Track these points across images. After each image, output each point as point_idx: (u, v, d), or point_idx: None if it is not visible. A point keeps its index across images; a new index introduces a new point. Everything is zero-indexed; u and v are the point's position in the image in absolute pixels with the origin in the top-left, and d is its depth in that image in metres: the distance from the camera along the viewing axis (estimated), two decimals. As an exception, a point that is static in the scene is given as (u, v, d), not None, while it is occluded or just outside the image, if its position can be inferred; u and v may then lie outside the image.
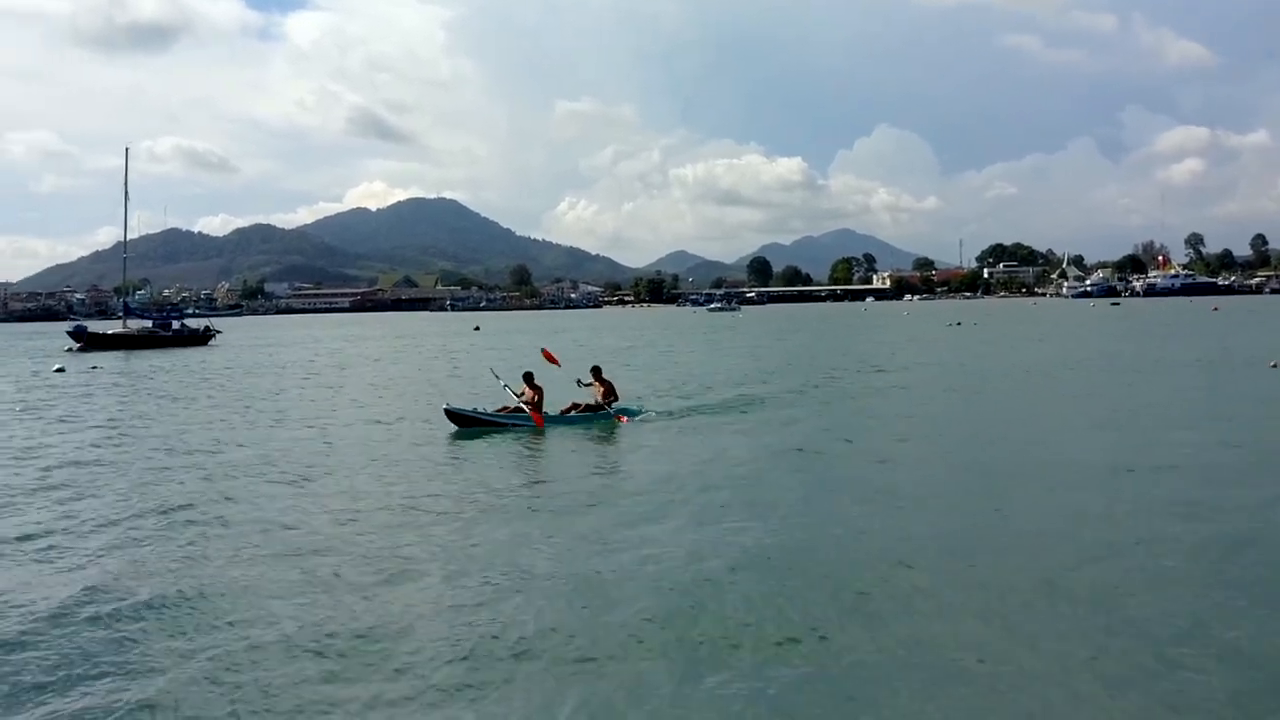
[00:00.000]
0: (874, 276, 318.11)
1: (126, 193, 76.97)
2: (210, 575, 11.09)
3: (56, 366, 51.97)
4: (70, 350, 68.11)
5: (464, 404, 23.54)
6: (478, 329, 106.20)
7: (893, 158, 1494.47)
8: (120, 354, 65.55)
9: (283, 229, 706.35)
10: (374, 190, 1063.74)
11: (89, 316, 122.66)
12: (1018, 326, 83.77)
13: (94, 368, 51.32)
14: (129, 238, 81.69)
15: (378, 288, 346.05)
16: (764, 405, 26.68)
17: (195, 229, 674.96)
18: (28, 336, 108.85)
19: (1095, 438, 20.31)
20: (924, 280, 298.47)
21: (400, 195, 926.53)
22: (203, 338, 77.93)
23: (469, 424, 22.35)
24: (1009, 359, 44.03)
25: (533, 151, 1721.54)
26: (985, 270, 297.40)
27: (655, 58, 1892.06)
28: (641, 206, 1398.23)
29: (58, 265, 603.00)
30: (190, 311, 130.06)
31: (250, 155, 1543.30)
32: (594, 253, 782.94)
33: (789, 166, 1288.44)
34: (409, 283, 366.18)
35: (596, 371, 24.09)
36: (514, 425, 22.14)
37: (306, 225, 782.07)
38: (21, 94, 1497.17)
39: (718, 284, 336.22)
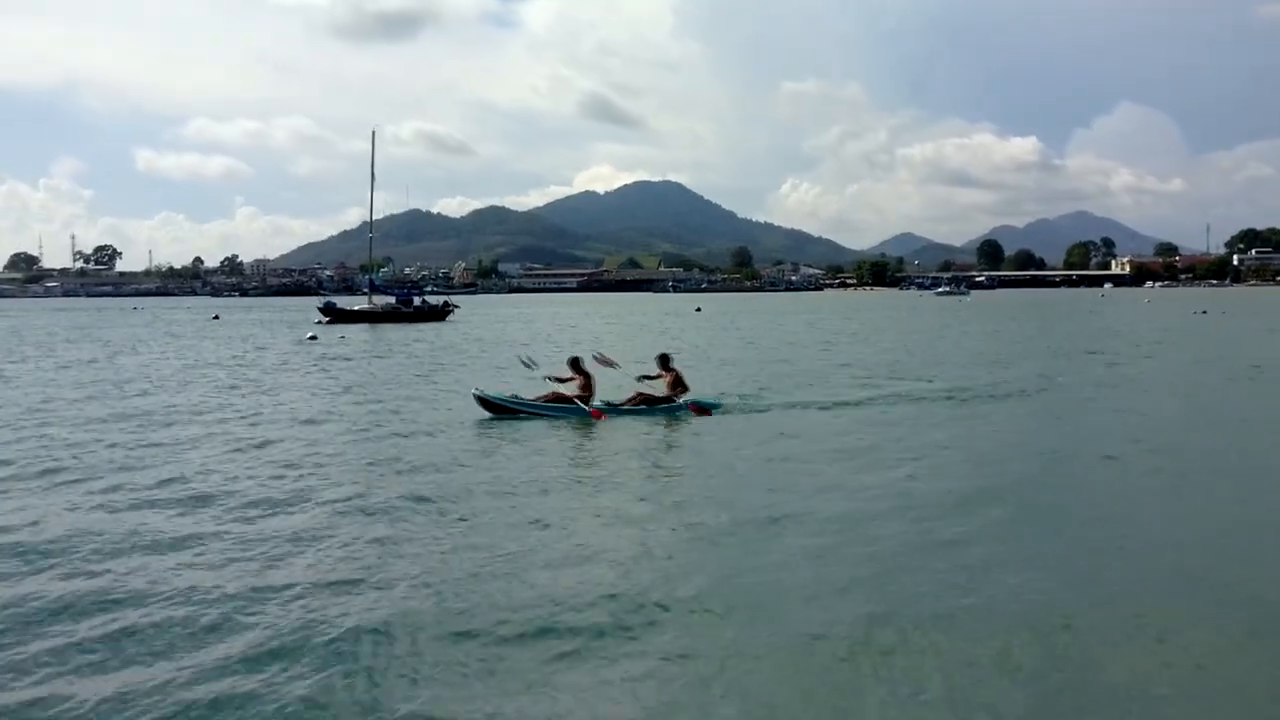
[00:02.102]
0: (1112, 261, 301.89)
1: (373, 174, 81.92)
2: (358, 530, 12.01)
3: (309, 335, 56.11)
4: (320, 323, 73.11)
5: (525, 388, 22.17)
6: (698, 310, 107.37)
7: (1135, 137, 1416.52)
8: (365, 327, 70.02)
9: (515, 211, 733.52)
10: (602, 173, 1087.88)
11: (336, 292, 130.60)
12: (1273, 316, 77.73)
13: (341, 338, 55.01)
14: (374, 218, 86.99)
15: (603, 269, 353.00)
16: (982, 395, 24.25)
17: (435, 210, 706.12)
18: (283, 310, 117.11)
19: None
20: (1166, 266, 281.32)
21: (627, 178, 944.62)
22: (441, 313, 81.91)
23: (502, 411, 20.55)
24: (1265, 351, 41.04)
25: (757, 133, 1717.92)
26: (1235, 256, 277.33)
27: (884, 35, 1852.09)
28: (866, 188, 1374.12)
29: (310, 243, 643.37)
30: (429, 289, 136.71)
31: (486, 139, 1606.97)
32: (816, 235, 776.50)
33: (1022, 146, 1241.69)
34: (633, 264, 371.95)
35: (664, 360, 21.76)
36: (554, 415, 20.21)
37: (538, 207, 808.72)
38: (283, 83, 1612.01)
39: (945, 267, 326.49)
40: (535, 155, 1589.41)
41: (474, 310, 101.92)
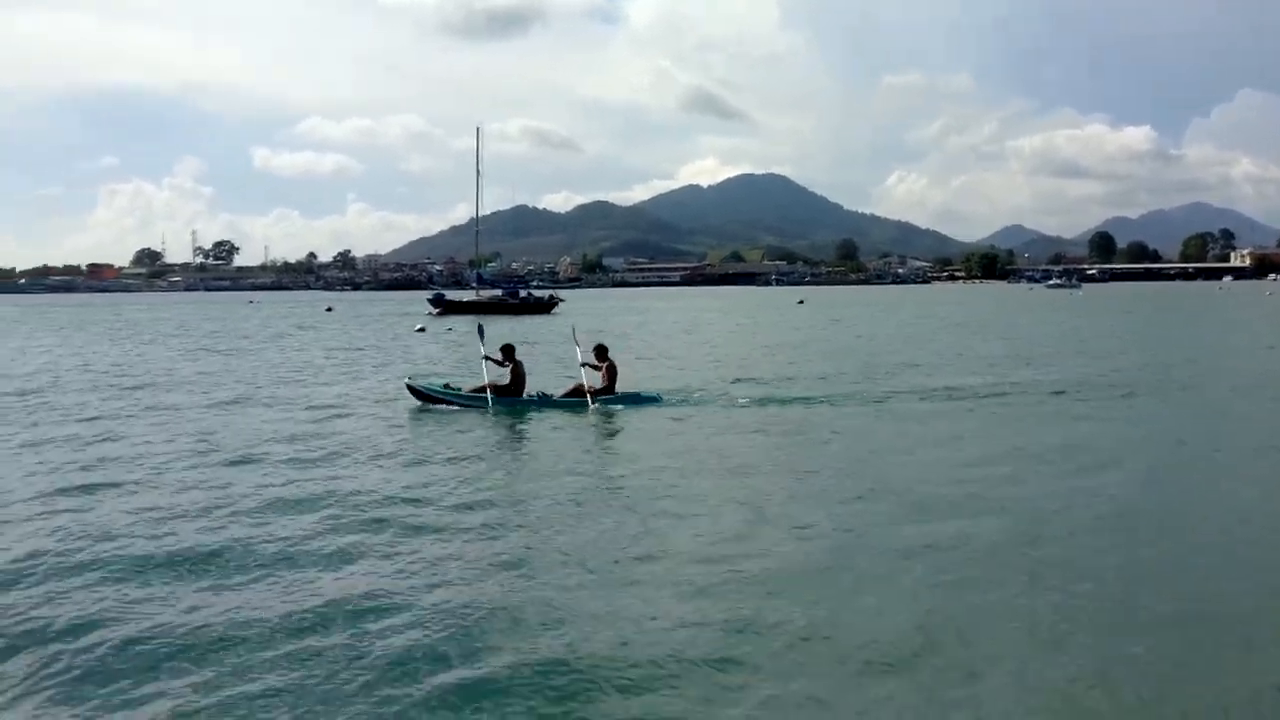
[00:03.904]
0: (1231, 253, 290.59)
1: (478, 170, 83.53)
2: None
3: (418, 327, 57.68)
4: (430, 314, 75.03)
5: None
6: (801, 303, 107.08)
7: (1257, 124, 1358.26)
8: (473, 318, 71.41)
9: (620, 206, 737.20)
10: (705, 167, 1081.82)
11: (445, 286, 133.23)
12: None
13: (449, 329, 56.35)
14: (481, 213, 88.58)
15: (706, 263, 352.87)
16: (1081, 392, 22.97)
17: (540, 205, 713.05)
18: (394, 303, 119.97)
19: None
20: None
21: (730, 172, 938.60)
22: (547, 306, 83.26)
23: (432, 401, 20.47)
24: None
25: (862, 125, 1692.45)
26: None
27: (991, 25, 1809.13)
28: (974, 179, 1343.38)
29: (420, 239, 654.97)
30: (534, 283, 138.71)
31: (591, 134, 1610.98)
32: (924, 227, 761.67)
33: (1136, 136, 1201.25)
34: (736, 258, 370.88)
35: (601, 351, 21.08)
36: (481, 405, 19.91)
37: (642, 202, 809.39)
38: (393, 82, 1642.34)
39: (1056, 260, 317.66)
40: (639, 150, 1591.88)
41: (578, 304, 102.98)
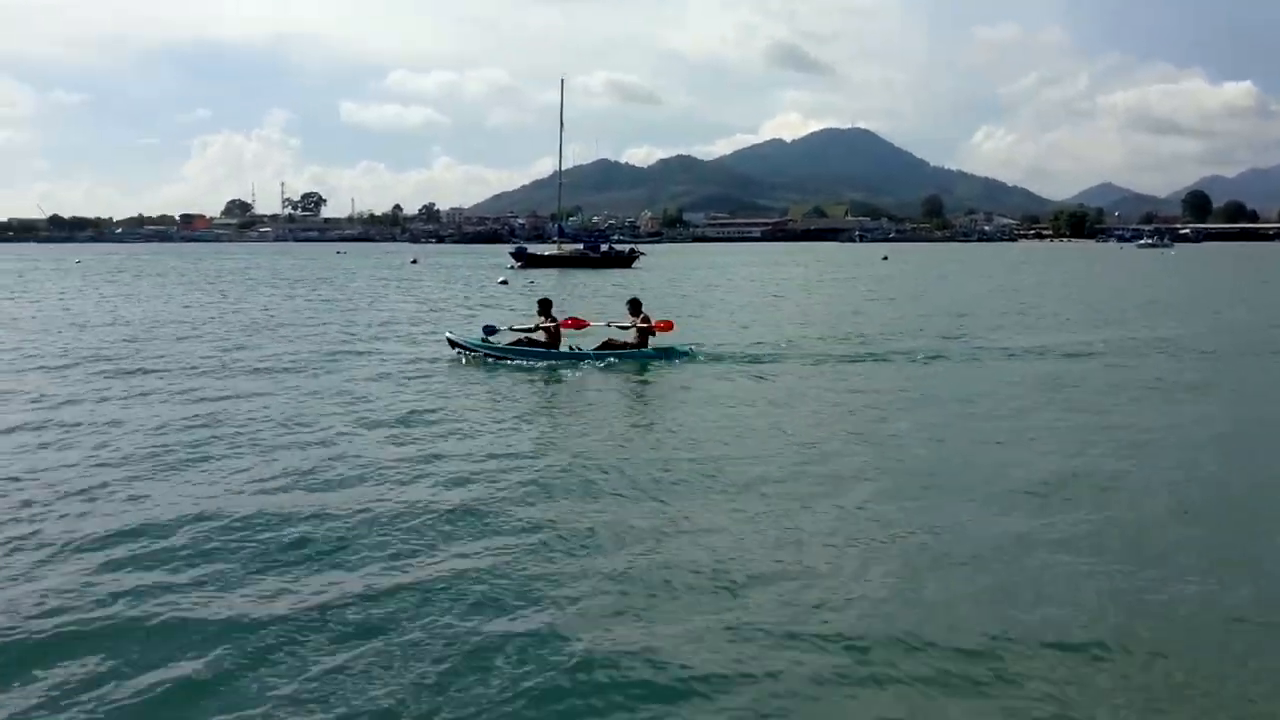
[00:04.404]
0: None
1: (561, 123, 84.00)
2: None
3: (501, 279, 58.73)
4: (512, 268, 76.11)
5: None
6: (885, 259, 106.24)
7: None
8: (554, 271, 72.40)
9: (702, 160, 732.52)
10: (789, 121, 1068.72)
11: (527, 239, 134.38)
12: None
13: (530, 282, 57.24)
14: (563, 168, 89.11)
15: (788, 218, 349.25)
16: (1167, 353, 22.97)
17: (623, 160, 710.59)
18: (477, 255, 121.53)
19: None
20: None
21: (815, 126, 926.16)
22: (627, 259, 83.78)
23: (469, 352, 20.78)
24: None
25: (950, 80, 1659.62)
26: None
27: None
28: (1064, 136, 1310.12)
29: (503, 193, 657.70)
30: (615, 237, 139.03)
31: (674, 88, 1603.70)
32: (1010, 184, 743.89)
33: (1236, 91, 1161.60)
34: (819, 213, 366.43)
35: (635, 305, 21.37)
36: (524, 358, 20.28)
37: (724, 156, 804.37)
38: (478, 36, 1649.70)
39: (1148, 219, 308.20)
40: (722, 104, 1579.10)
41: (659, 258, 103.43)
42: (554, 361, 20.24)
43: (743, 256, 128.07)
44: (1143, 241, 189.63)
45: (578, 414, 15.79)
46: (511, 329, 21.55)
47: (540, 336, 20.74)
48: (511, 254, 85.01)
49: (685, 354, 20.80)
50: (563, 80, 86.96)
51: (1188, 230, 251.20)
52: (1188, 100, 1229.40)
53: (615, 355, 20.41)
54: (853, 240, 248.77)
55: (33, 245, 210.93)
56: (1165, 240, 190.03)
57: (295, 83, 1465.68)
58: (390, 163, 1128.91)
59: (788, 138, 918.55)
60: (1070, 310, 36.85)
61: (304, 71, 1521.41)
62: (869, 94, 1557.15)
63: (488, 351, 20.67)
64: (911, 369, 20.58)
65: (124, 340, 25.97)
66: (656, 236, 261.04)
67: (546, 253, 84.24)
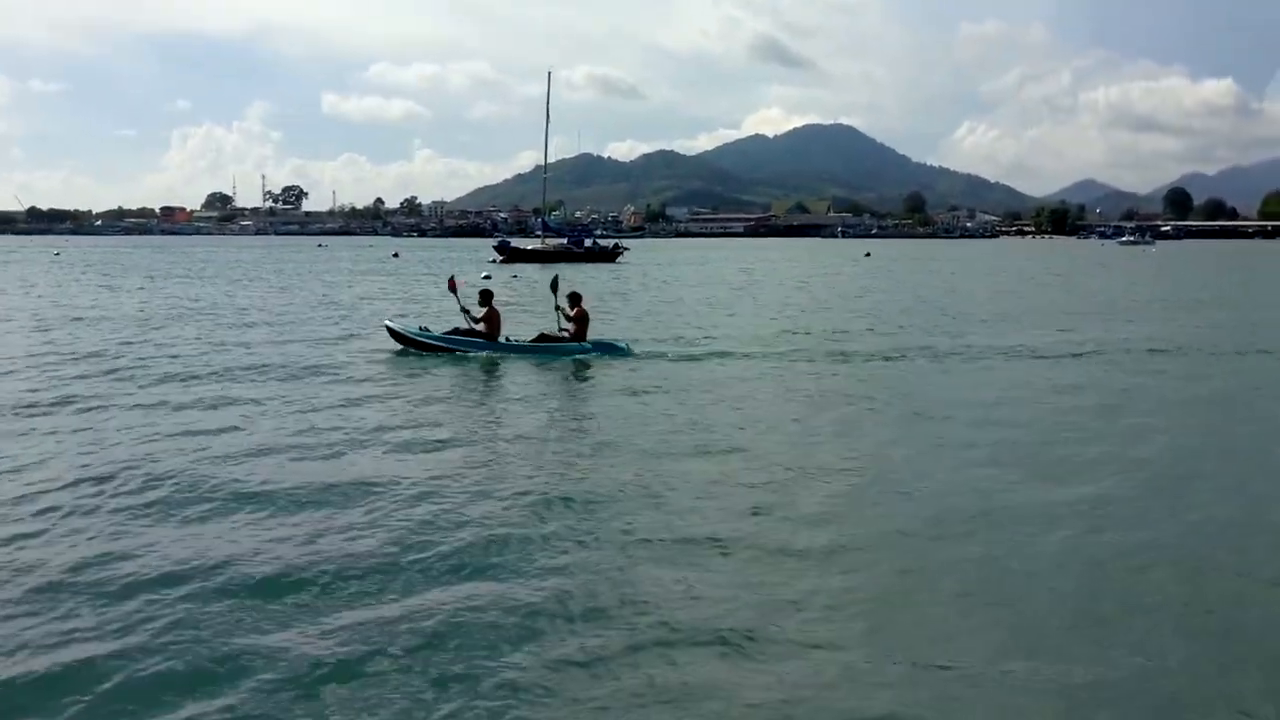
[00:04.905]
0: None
1: (548, 116, 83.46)
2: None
3: (484, 274, 58.27)
4: (494, 261, 75.75)
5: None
6: (868, 255, 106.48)
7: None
8: (537, 266, 72.06)
9: (684, 155, 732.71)
10: (771, 117, 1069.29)
11: (510, 233, 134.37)
12: None
13: (514, 276, 57.00)
14: (547, 160, 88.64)
15: (771, 214, 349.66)
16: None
17: (605, 154, 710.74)
18: (460, 249, 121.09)
19: None
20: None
21: (797, 121, 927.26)
22: (611, 254, 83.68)
23: (412, 345, 21.13)
24: None
25: (933, 75, 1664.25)
26: None
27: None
28: (1047, 132, 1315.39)
29: (485, 186, 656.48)
30: (598, 232, 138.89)
31: (656, 82, 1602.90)
32: (993, 180, 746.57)
33: (1217, 89, 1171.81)
34: (801, 209, 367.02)
35: (575, 299, 21.26)
36: (461, 349, 20.60)
37: (707, 151, 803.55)
38: (460, 26, 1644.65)
39: (1129, 216, 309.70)
40: (705, 99, 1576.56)
41: (642, 253, 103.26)
42: (491, 353, 20.38)
43: (725, 252, 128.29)
44: (1124, 239, 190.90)
45: (528, 406, 15.93)
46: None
47: (480, 328, 20.79)
48: (495, 248, 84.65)
49: (622, 350, 20.80)
50: (550, 73, 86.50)
51: (1169, 228, 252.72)
52: (1169, 98, 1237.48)
53: (553, 349, 20.56)
54: (835, 236, 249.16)
55: (10, 237, 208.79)
56: (1147, 238, 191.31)
57: (277, 74, 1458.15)
58: (371, 155, 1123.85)
59: (770, 133, 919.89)
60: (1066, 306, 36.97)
61: (286, 63, 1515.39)
62: (852, 89, 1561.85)
63: (426, 341, 20.96)
64: (876, 367, 20.55)
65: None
66: (639, 231, 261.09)
67: (530, 247, 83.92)
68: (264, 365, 19.83)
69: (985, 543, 8.91)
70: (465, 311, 21.04)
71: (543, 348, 20.52)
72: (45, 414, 14.60)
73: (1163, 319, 31.99)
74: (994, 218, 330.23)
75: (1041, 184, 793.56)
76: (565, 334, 20.88)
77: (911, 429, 14.20)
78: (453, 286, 22.12)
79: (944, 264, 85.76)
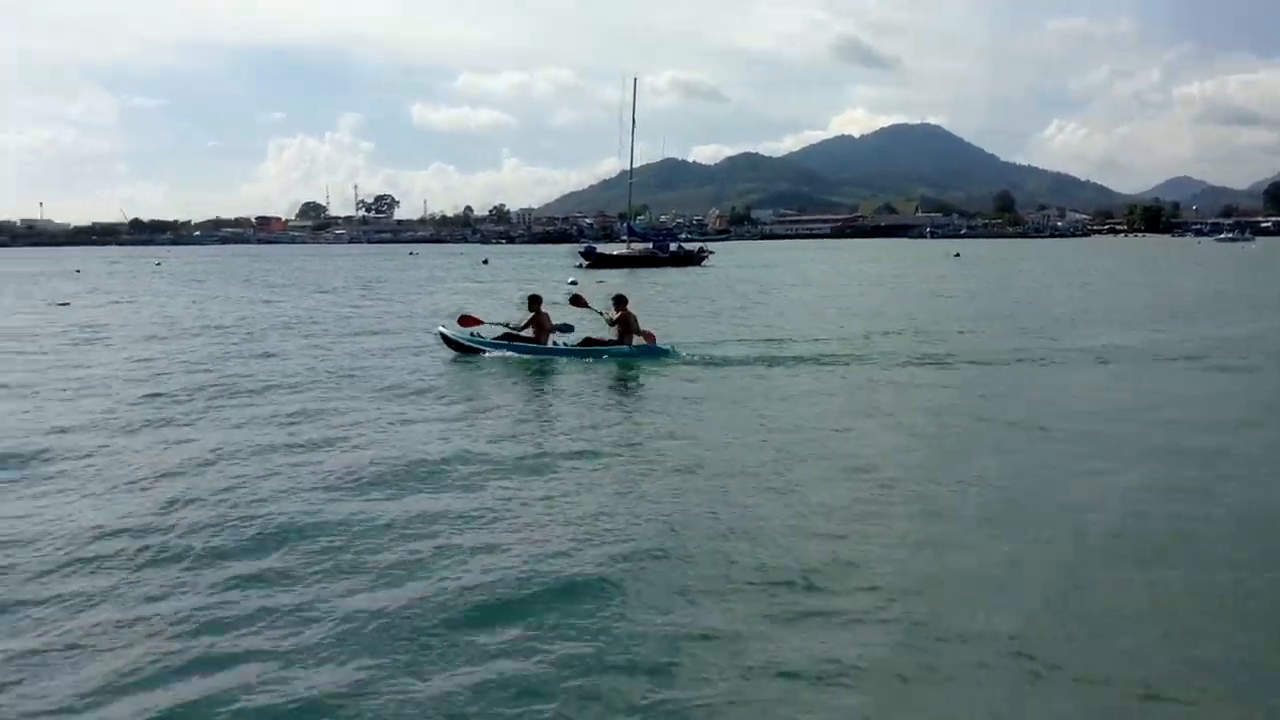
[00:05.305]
0: None
1: (634, 121, 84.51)
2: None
3: (570, 280, 59.31)
4: (581, 266, 76.89)
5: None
6: (957, 255, 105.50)
7: None
8: (623, 271, 73.01)
9: (769, 157, 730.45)
10: (857, 117, 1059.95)
11: (596, 239, 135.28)
12: None
13: (599, 282, 57.90)
14: (632, 166, 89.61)
15: (858, 214, 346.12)
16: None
17: (689, 158, 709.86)
18: (547, 255, 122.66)
19: None
20: None
21: (883, 121, 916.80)
22: (696, 258, 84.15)
23: (464, 350, 21.53)
24: None
25: (1020, 73, 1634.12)
26: None
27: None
28: (1137, 128, 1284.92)
29: (571, 193, 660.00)
30: (683, 236, 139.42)
31: (739, 85, 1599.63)
32: (1082, 178, 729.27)
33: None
34: (888, 209, 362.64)
35: (620, 301, 21.49)
36: (517, 352, 21.03)
37: (792, 153, 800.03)
38: (546, 33, 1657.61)
39: (1226, 213, 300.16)
40: (788, 100, 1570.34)
41: (726, 256, 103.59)
42: (540, 356, 20.83)
43: (811, 253, 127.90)
44: (1222, 235, 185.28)
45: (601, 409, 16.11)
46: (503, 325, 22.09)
47: (529, 332, 21.37)
48: (581, 253, 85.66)
49: (665, 352, 20.88)
50: (635, 79, 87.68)
51: (1269, 223, 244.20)
52: (1267, 90, 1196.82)
53: (597, 351, 20.76)
54: (923, 236, 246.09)
55: (114, 248, 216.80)
56: (1246, 234, 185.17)
57: (367, 86, 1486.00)
58: (460, 164, 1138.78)
59: (856, 133, 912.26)
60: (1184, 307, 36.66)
61: (376, 74, 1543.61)
62: (938, 88, 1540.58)
63: (476, 345, 21.43)
64: (992, 373, 19.77)
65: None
66: (724, 234, 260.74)
67: (615, 252, 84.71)
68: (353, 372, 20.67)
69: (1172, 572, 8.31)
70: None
71: (589, 351, 20.83)
72: (160, 426, 14.78)
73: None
74: (1084, 216, 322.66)
75: (1133, 181, 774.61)
76: (603, 337, 21.26)
77: (1027, 436, 13.68)
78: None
79: (1036, 263, 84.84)
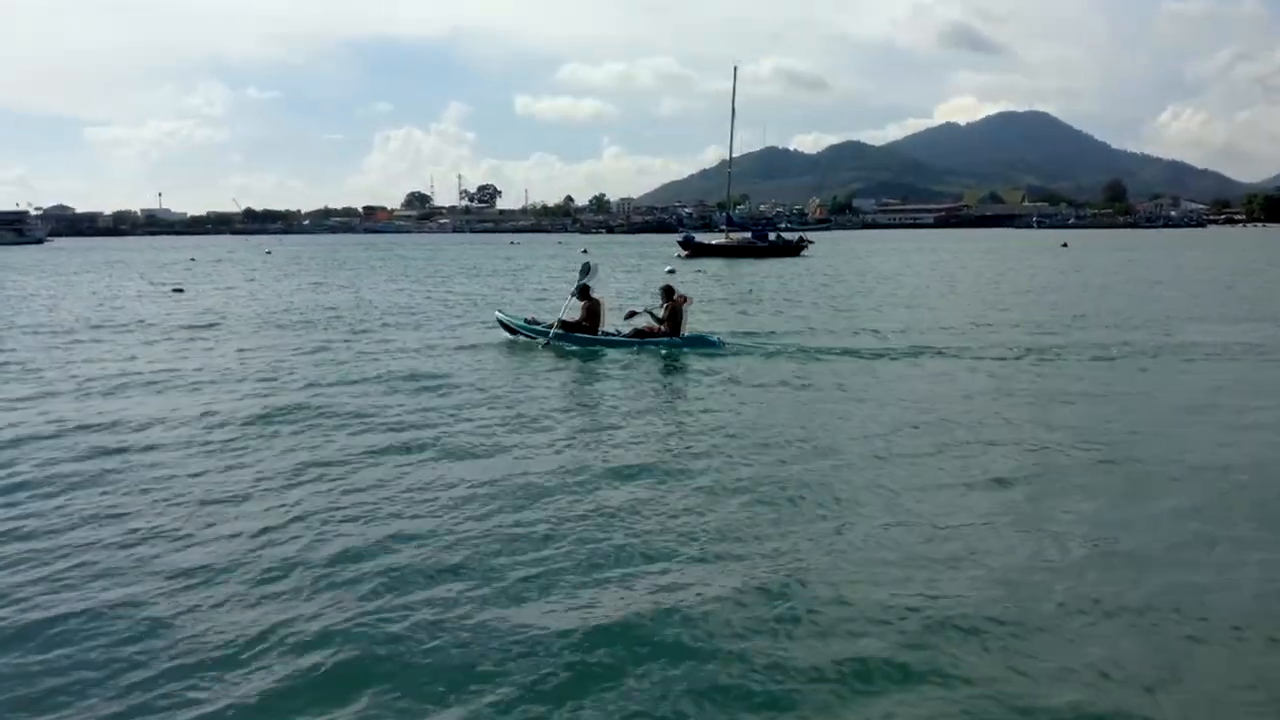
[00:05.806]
0: None
1: (734, 110, 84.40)
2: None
3: (668, 269, 59.52)
4: (679, 256, 77.08)
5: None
6: (1065, 246, 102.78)
7: None
8: (721, 261, 72.99)
9: (872, 146, 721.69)
10: (963, 104, 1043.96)
11: (695, 228, 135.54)
12: None
13: (698, 271, 58.03)
14: (732, 155, 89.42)
15: (962, 204, 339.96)
16: None
17: (790, 147, 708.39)
18: (646, 245, 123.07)
19: None
20: None
21: (990, 109, 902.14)
22: (796, 248, 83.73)
23: (520, 334, 22.30)
24: None
25: (1134, 58, 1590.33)
26: None
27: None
28: (1260, 114, 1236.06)
29: (670, 182, 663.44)
30: (783, 225, 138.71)
31: (843, 72, 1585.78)
32: (1200, 166, 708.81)
33: None
34: (994, 199, 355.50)
35: (668, 291, 22.08)
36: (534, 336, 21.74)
37: (896, 141, 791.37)
38: (649, 22, 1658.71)
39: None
40: (892, 88, 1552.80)
41: (826, 245, 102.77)
42: (594, 346, 21.15)
43: (914, 243, 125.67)
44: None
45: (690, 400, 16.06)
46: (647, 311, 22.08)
47: (582, 320, 21.74)
48: (679, 243, 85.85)
49: (713, 343, 21.07)
50: (735, 68, 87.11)
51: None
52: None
53: (645, 342, 21.02)
54: (1030, 227, 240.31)
55: (228, 237, 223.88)
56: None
57: (471, 77, 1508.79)
58: (562, 154, 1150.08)
59: (962, 121, 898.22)
60: None
61: (480, 65, 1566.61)
62: (1047, 74, 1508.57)
63: (531, 332, 22.02)
64: (1090, 367, 19.01)
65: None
66: (825, 224, 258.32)
67: (714, 242, 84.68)
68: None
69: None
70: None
71: (638, 341, 21.11)
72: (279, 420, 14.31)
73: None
74: (1200, 206, 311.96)
75: (1254, 169, 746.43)
76: (651, 328, 21.36)
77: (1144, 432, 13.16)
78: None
79: (1149, 253, 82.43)
